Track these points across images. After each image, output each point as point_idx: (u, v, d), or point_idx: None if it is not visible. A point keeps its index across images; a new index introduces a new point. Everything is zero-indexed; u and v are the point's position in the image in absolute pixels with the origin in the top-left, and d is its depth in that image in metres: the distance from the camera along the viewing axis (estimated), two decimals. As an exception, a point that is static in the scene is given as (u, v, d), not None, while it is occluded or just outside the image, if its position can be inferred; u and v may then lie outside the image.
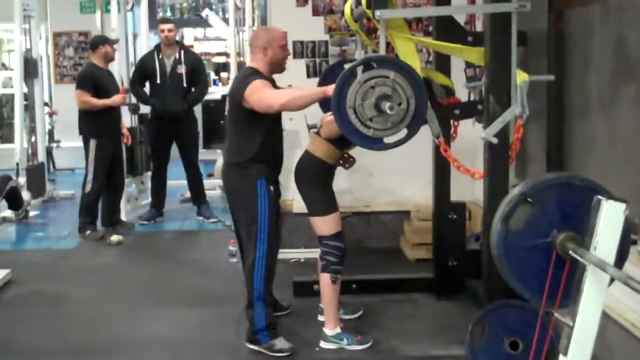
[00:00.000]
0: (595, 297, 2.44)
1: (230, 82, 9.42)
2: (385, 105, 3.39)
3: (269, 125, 4.20)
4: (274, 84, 4.21)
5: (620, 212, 2.44)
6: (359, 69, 3.60)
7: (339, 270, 4.29)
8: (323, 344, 4.29)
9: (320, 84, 4.87)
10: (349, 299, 4.93)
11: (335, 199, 4.39)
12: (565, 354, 2.49)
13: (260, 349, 4.20)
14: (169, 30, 7.63)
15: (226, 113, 4.29)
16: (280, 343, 4.20)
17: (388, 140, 3.62)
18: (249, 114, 4.07)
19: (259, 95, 3.98)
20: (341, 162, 4.43)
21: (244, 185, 4.19)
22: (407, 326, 4.62)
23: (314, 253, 5.97)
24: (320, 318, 4.52)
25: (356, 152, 6.30)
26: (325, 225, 4.27)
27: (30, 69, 8.59)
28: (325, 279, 4.28)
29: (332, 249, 4.26)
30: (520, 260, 2.85)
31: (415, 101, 3.48)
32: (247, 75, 4.17)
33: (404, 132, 3.62)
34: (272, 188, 4.20)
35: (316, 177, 4.33)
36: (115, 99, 7.03)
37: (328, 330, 4.29)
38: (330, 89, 3.73)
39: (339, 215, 4.37)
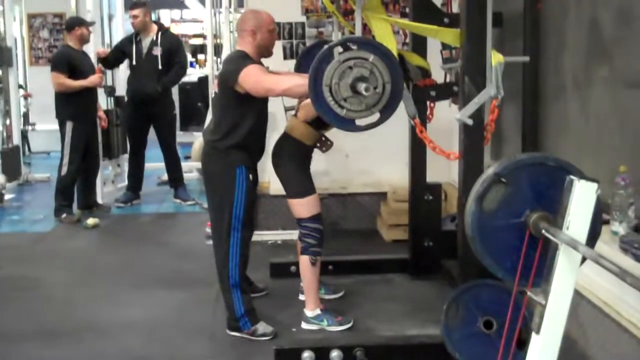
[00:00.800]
0: (567, 276, 2.46)
1: (207, 64, 9.43)
2: (361, 87, 3.39)
3: (258, 111, 4.18)
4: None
5: (592, 191, 2.46)
6: (337, 50, 3.60)
7: (319, 252, 4.30)
8: (304, 325, 4.31)
9: (297, 65, 4.87)
10: (326, 280, 4.95)
11: (312, 181, 4.39)
12: (537, 332, 2.51)
13: (242, 336, 4.20)
14: (134, 17, 7.54)
15: (212, 96, 4.25)
16: (262, 327, 4.21)
17: (360, 122, 3.63)
18: (240, 98, 4.04)
19: (257, 79, 3.95)
20: (318, 144, 4.44)
21: (223, 171, 4.16)
22: (383, 306, 4.65)
23: (291, 235, 6.04)
24: (302, 297, 4.54)
25: (332, 133, 6.32)
26: (303, 207, 4.28)
27: (4, 58, 8.51)
28: (304, 261, 4.29)
29: (311, 231, 4.27)
30: (494, 239, 2.87)
31: (391, 87, 3.48)
32: (239, 58, 4.12)
33: (376, 116, 3.62)
34: (251, 176, 4.18)
35: (294, 159, 4.33)
36: (91, 79, 6.98)
37: (308, 312, 4.31)
38: None
39: (317, 197, 4.38)
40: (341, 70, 3.44)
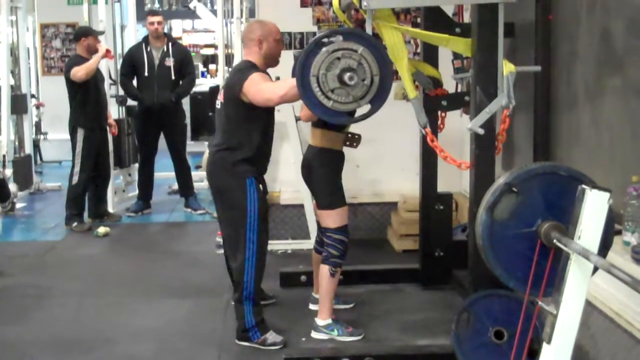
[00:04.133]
0: (578, 286, 2.46)
1: (218, 74, 9.46)
2: (346, 76, 3.39)
3: (265, 122, 4.18)
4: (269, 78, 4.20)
5: (604, 201, 2.45)
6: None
7: (340, 263, 4.29)
8: (314, 334, 4.30)
9: (293, 69, 4.86)
10: (337, 289, 4.94)
11: (343, 193, 4.38)
12: (549, 342, 2.50)
13: (252, 345, 4.18)
14: (158, 23, 7.63)
15: (218, 107, 4.23)
16: (272, 337, 4.20)
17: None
18: (246, 108, 4.03)
19: (257, 88, 3.95)
20: (347, 143, 4.43)
21: (233, 185, 4.14)
22: (394, 316, 4.63)
23: (301, 244, 6.04)
24: (312, 307, 4.54)
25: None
26: (331, 218, 4.28)
27: (19, 105, 8.60)
28: (324, 270, 4.27)
29: (335, 242, 4.26)
30: (505, 249, 2.87)
31: (380, 79, 3.47)
32: (245, 68, 4.11)
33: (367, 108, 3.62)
34: (261, 187, 4.17)
35: (327, 169, 4.31)
36: (100, 52, 7.01)
37: (320, 321, 4.30)
38: None
39: (347, 209, 4.37)
40: (329, 60, 3.43)
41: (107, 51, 7.11)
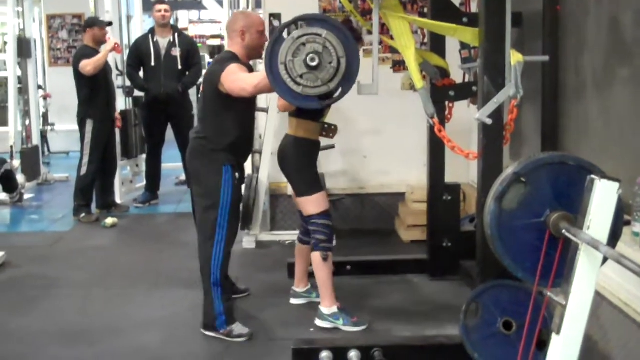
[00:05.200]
0: (588, 276, 2.44)
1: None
2: (308, 57, 3.40)
3: (242, 114, 4.19)
4: (250, 70, 4.19)
5: (613, 191, 2.44)
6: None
7: (329, 247, 4.29)
8: (318, 322, 4.30)
9: None
10: (344, 280, 4.95)
11: (319, 179, 4.41)
12: (558, 333, 2.50)
13: (217, 336, 4.19)
14: (165, 11, 7.64)
15: (199, 96, 4.24)
16: (238, 328, 4.20)
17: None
18: (224, 98, 4.04)
19: (233, 78, 3.95)
20: (324, 133, 4.43)
21: (208, 170, 4.15)
22: (402, 307, 4.64)
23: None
24: (294, 302, 4.61)
25: (350, 135, 6.32)
26: (312, 204, 4.28)
27: (23, 49, 8.58)
28: (316, 257, 4.28)
29: (321, 227, 4.27)
30: (513, 239, 2.86)
31: (346, 60, 3.48)
32: (225, 59, 4.12)
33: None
34: (237, 175, 4.18)
35: (302, 158, 4.32)
36: (108, 45, 7.02)
37: (325, 309, 4.30)
38: None
39: (325, 194, 4.40)
40: (295, 47, 3.44)
41: (116, 45, 7.11)
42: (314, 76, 3.45)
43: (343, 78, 3.50)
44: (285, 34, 3.52)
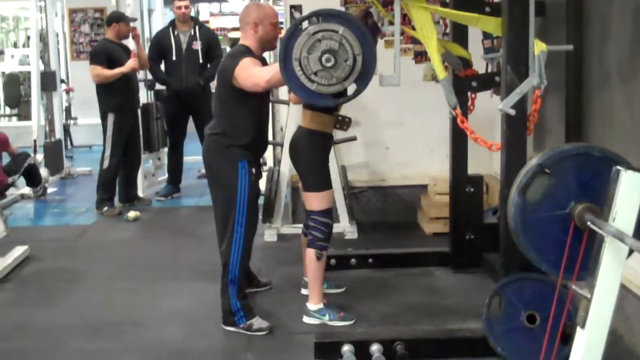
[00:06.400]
0: (613, 269, 2.41)
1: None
2: (324, 58, 3.34)
3: (257, 108, 4.17)
4: (263, 63, 4.17)
5: (639, 182, 2.40)
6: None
7: (325, 246, 4.26)
8: (305, 319, 4.29)
9: None
10: (366, 273, 4.93)
11: (329, 175, 4.37)
12: (582, 326, 2.46)
13: (238, 330, 4.18)
14: (185, 7, 7.63)
15: (214, 91, 4.21)
16: (258, 322, 4.19)
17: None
18: (238, 93, 4.01)
19: (246, 73, 3.92)
20: (337, 125, 4.39)
21: (225, 167, 4.14)
22: (424, 300, 4.61)
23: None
24: (304, 292, 4.54)
25: (372, 126, 6.30)
26: (317, 200, 4.23)
27: (48, 82, 8.73)
28: (310, 254, 4.25)
29: (320, 225, 4.22)
30: (537, 232, 2.83)
31: (363, 58, 3.42)
32: (238, 53, 4.09)
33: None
34: (253, 170, 4.16)
35: (314, 151, 4.25)
36: (128, 64, 7.00)
37: (311, 305, 4.28)
38: None
39: (332, 192, 4.37)
40: (310, 43, 3.38)
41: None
42: (329, 74, 3.40)
43: (359, 76, 3.46)
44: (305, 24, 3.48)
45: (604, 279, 2.41)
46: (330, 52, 3.35)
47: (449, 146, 4.98)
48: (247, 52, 4.07)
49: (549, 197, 2.80)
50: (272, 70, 3.83)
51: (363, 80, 3.50)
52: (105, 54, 6.96)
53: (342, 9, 6.15)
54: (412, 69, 6.05)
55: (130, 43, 7.39)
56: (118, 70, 6.94)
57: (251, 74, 3.92)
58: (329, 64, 3.35)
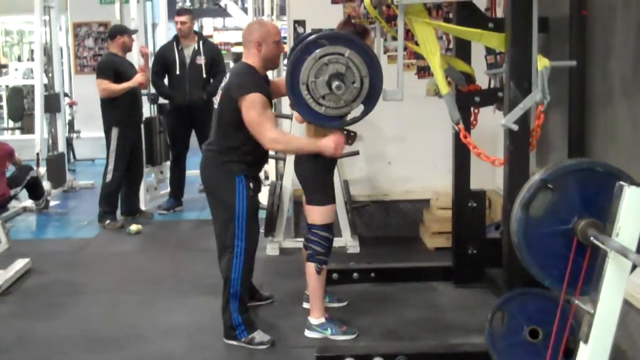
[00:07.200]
0: (616, 284, 2.41)
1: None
2: (334, 85, 3.35)
3: None
4: (267, 82, 4.18)
5: (642, 197, 2.40)
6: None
7: (325, 260, 4.26)
8: (307, 333, 4.28)
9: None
10: (368, 287, 4.92)
11: (333, 189, 4.37)
12: (585, 341, 2.46)
13: (239, 344, 4.17)
14: (182, 23, 7.63)
15: (215, 107, 4.20)
16: (259, 336, 4.18)
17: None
18: (240, 113, 3.99)
19: (257, 121, 3.92)
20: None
21: (222, 181, 4.14)
22: (426, 314, 4.60)
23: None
24: (306, 305, 4.53)
25: (375, 141, 6.31)
26: (320, 214, 4.23)
27: (52, 104, 8.68)
28: (310, 268, 4.25)
29: (320, 239, 4.22)
30: (540, 247, 2.82)
31: (369, 80, 3.43)
32: (245, 74, 4.09)
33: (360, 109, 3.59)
34: (251, 185, 4.15)
35: (318, 165, 4.24)
36: (136, 79, 7.02)
37: (313, 320, 4.28)
38: (323, 142, 3.86)
39: (335, 207, 4.37)
40: (317, 67, 3.39)
41: (141, 76, 7.13)
42: (337, 97, 3.41)
43: (366, 97, 3.47)
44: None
45: (607, 294, 2.41)
46: (337, 77, 3.35)
47: (451, 161, 4.99)
48: (254, 73, 4.08)
49: (552, 213, 2.80)
50: (282, 140, 3.93)
51: (370, 101, 3.51)
52: (112, 68, 6.98)
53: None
54: (415, 84, 6.07)
55: (134, 57, 7.41)
56: (125, 85, 6.96)
57: (259, 124, 3.92)
58: (339, 92, 3.35)
